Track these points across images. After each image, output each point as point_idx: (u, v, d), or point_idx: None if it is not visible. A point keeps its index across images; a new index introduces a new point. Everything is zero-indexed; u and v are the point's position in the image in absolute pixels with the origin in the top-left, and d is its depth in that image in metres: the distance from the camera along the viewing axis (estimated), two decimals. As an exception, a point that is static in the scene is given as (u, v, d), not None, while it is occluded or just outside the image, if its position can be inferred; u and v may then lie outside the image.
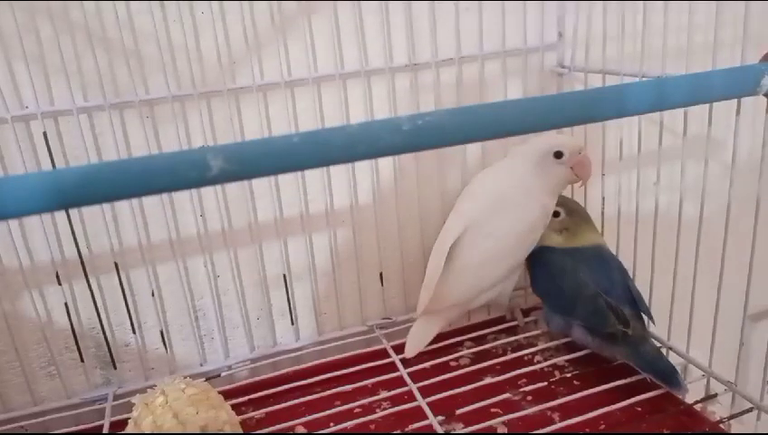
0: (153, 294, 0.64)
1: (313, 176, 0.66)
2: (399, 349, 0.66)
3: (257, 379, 0.65)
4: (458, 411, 0.56)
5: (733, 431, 0.53)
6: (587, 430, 0.54)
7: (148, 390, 0.54)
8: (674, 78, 0.37)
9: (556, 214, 0.66)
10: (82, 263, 0.61)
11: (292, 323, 0.70)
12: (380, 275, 0.72)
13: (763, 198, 0.51)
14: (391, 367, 0.63)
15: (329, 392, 0.61)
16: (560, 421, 0.54)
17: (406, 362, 0.64)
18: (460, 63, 0.68)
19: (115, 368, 0.65)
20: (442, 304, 0.63)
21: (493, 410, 0.57)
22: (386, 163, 0.69)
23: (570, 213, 0.67)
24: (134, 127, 0.59)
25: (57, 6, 0.55)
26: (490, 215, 0.63)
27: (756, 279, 0.53)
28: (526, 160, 0.63)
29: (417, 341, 0.65)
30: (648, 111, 0.37)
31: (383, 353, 0.66)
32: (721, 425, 0.53)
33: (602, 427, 0.55)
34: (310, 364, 0.66)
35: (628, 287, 0.61)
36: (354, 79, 0.65)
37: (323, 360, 0.67)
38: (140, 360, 0.65)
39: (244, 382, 0.65)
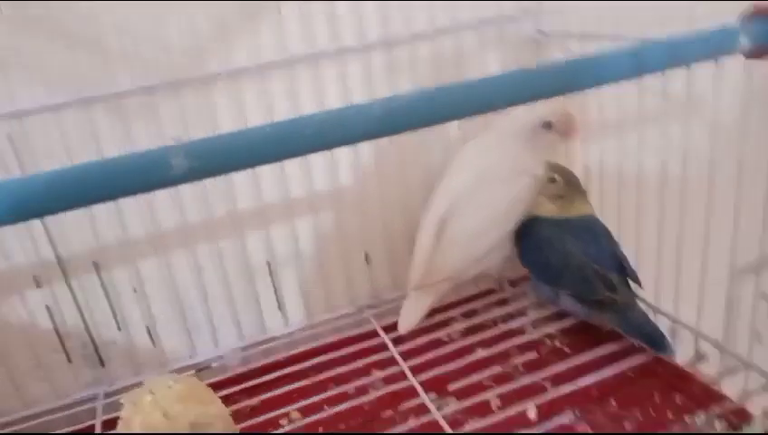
0: (135, 291, 0.63)
1: (293, 160, 0.65)
2: (390, 328, 0.66)
3: (249, 367, 0.65)
4: (451, 387, 0.56)
5: (724, 389, 0.53)
6: (580, 396, 0.54)
7: (138, 387, 0.53)
8: (652, 44, 0.36)
9: (552, 180, 0.65)
10: (61, 264, 0.60)
11: (280, 309, 0.69)
12: (366, 255, 0.71)
13: (746, 155, 0.51)
14: (382, 347, 0.63)
15: (321, 376, 0.61)
16: (554, 392, 0.54)
17: (397, 341, 0.64)
18: (435, 37, 0.66)
19: (103, 366, 0.64)
20: (434, 278, 0.63)
21: (485, 383, 0.57)
22: (366, 142, 0.68)
23: (567, 182, 0.66)
24: (103, 123, 0.58)
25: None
26: (479, 187, 0.63)
27: (741, 235, 0.53)
28: (515, 133, 0.63)
29: (410, 317, 0.64)
30: (628, 78, 0.36)
31: (373, 334, 0.66)
32: (711, 385, 0.53)
33: (594, 393, 0.55)
34: (301, 349, 0.66)
35: (615, 254, 0.61)
36: (327, 59, 0.63)
37: (314, 344, 0.67)
38: (128, 356, 0.65)
39: (236, 372, 0.64)
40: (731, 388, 0.53)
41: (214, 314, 0.67)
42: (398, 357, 0.61)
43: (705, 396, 0.53)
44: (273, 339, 0.68)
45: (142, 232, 0.62)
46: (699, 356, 0.56)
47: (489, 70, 0.72)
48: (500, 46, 0.71)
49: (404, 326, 0.64)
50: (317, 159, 0.66)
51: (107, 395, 0.62)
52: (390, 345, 0.63)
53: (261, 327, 0.69)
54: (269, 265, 0.67)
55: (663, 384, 0.55)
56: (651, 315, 0.60)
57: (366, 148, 0.68)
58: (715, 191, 0.53)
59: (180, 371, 0.63)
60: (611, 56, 0.35)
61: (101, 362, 0.64)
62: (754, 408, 0.50)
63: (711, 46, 0.38)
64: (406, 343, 0.63)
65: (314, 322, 0.70)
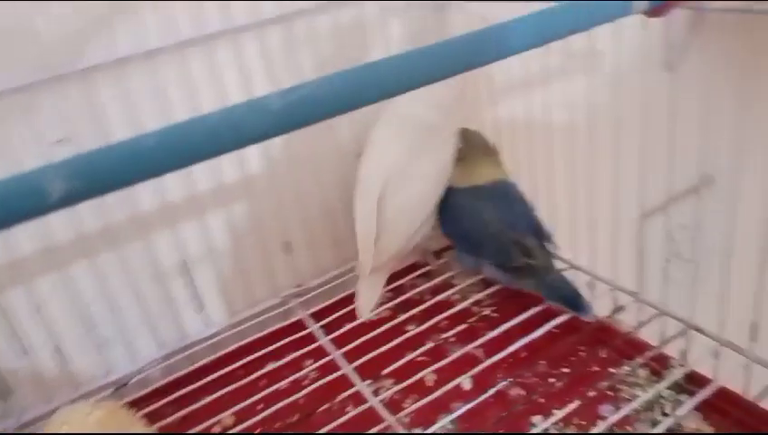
0: (39, 311, 0.57)
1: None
2: (317, 316, 0.64)
3: (173, 377, 0.61)
4: (385, 371, 0.55)
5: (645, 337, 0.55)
6: (511, 361, 0.55)
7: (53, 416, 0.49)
8: (553, 10, 0.35)
9: None
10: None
11: (199, 311, 0.66)
12: (285, 243, 0.69)
13: (649, 106, 0.52)
14: (311, 337, 0.62)
15: (252, 376, 0.58)
16: (486, 359, 0.55)
17: (326, 328, 0.62)
18: (334, 8, 0.63)
19: (10, 397, 0.59)
20: (384, 257, 0.62)
21: (420, 359, 0.57)
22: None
23: (467, 142, 0.65)
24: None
25: None
26: (409, 159, 0.62)
27: (648, 182, 0.54)
28: (436, 104, 0.62)
29: (367, 301, 0.63)
30: (533, 47, 0.35)
31: (301, 325, 0.64)
32: (632, 334, 0.56)
33: (524, 355, 0.56)
34: (227, 350, 0.63)
35: (531, 218, 0.62)
36: (220, 40, 0.59)
37: (241, 343, 0.64)
38: (37, 383, 0.59)
39: (159, 384, 0.61)
40: (650, 335, 0.55)
41: (126, 325, 0.62)
42: (329, 346, 0.59)
43: (628, 346, 0.55)
44: (195, 343, 0.64)
45: (34, 247, 0.56)
46: (618, 308, 0.58)
47: (392, 38, 0.69)
48: (401, 13, 0.69)
49: (363, 312, 0.63)
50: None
51: (22, 426, 0.57)
52: (320, 334, 0.61)
53: (181, 332, 0.65)
54: (182, 265, 0.63)
55: (588, 339, 0.57)
56: (569, 273, 0.62)
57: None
58: (620, 141, 0.54)
59: (97, 391, 0.59)
60: (517, 25, 0.34)
61: (8, 393, 0.58)
62: (674, 351, 0.53)
63: (612, 8, 0.37)
64: (336, 329, 0.61)
65: (238, 319, 0.67)
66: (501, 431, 0.49)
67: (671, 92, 0.49)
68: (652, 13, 0.43)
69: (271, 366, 0.59)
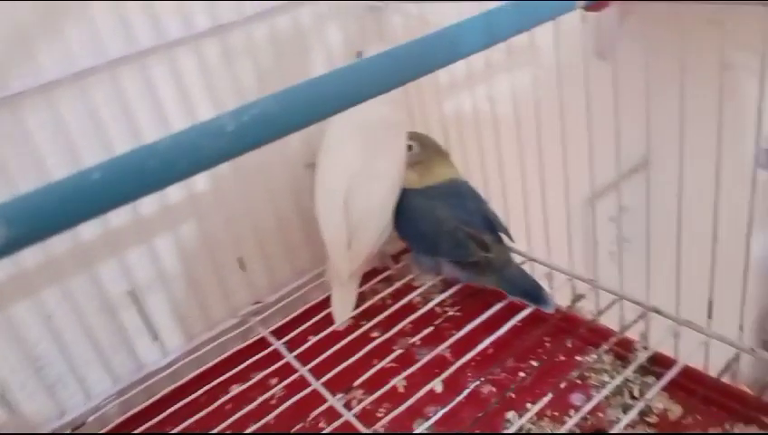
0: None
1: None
2: (279, 333, 0.63)
3: (132, 413, 0.58)
4: (356, 382, 0.54)
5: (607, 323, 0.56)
6: (479, 359, 0.55)
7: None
8: (500, 10, 0.35)
9: (409, 147, 0.65)
10: None
11: (154, 339, 0.63)
12: (239, 259, 0.67)
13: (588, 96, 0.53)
14: (275, 355, 0.60)
15: (217, 403, 0.56)
16: (455, 360, 0.55)
17: (289, 345, 0.60)
18: (269, 15, 0.62)
19: (-48, 454, 0.54)
20: (361, 259, 0.61)
21: (389, 366, 0.56)
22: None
23: (423, 146, 0.65)
24: None
25: None
26: (367, 158, 0.61)
27: (593, 169, 0.55)
28: (384, 99, 0.61)
29: (344, 307, 0.62)
30: (484, 48, 0.35)
31: (263, 343, 0.62)
32: (594, 321, 0.57)
33: (492, 352, 0.56)
34: (187, 378, 0.61)
35: (484, 213, 0.62)
36: (153, 56, 0.56)
37: (201, 369, 0.61)
38: (-17, 435, 0.55)
39: (118, 421, 0.57)
40: (610, 320, 0.56)
41: (77, 361, 0.58)
42: (294, 362, 0.58)
43: (592, 334, 0.56)
44: (152, 374, 0.61)
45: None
46: (577, 297, 0.59)
47: (331, 43, 0.68)
48: (338, 17, 0.67)
49: (340, 319, 0.61)
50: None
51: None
52: (284, 351, 0.60)
53: (136, 364, 0.62)
54: (131, 293, 0.60)
55: (552, 330, 0.58)
56: (527, 266, 0.63)
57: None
58: (564, 131, 0.55)
59: (51, 436, 0.56)
60: (465, 27, 0.34)
61: (-52, 450, 0.54)
62: (635, 334, 0.54)
63: (557, 6, 0.38)
64: (300, 344, 0.60)
65: (195, 344, 0.64)
66: (477, 431, 0.49)
67: (606, 81, 0.50)
68: (591, 7, 0.44)
69: (236, 390, 0.57)
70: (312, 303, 0.67)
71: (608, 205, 0.56)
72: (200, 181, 0.62)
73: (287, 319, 0.66)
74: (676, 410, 0.48)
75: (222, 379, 0.58)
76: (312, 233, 0.70)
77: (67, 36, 0.52)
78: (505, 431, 0.49)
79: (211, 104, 0.60)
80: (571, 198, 0.58)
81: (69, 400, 0.59)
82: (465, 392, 0.52)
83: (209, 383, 0.58)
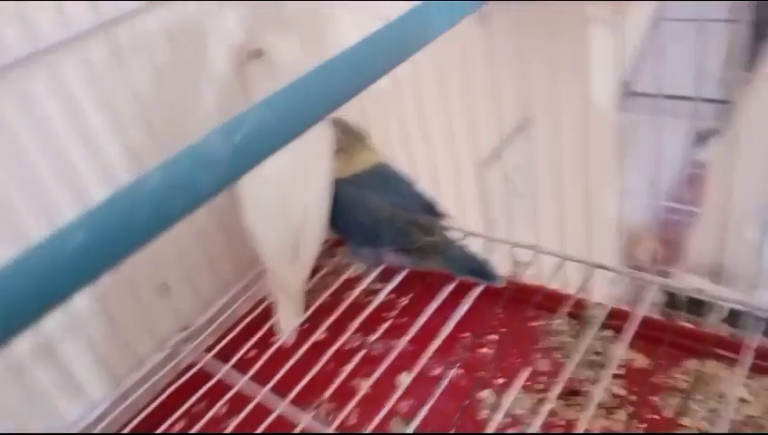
0: None
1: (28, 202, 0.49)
2: (222, 356, 0.57)
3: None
4: (325, 394, 0.51)
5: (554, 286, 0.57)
6: (441, 345, 0.53)
7: None
8: (399, 22, 0.31)
9: None
10: None
11: (77, 393, 0.54)
12: (161, 285, 0.59)
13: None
14: (225, 383, 0.54)
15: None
16: (422, 353, 0.53)
17: (238, 367, 0.55)
18: (161, 6, 0.54)
19: None
20: (307, 269, 0.58)
21: (352, 369, 0.53)
22: (120, 156, 0.54)
23: (343, 132, 0.62)
24: None
25: None
26: (296, 157, 0.57)
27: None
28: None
29: (291, 320, 0.58)
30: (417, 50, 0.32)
31: (205, 372, 0.56)
32: (547, 287, 0.57)
33: (452, 335, 0.55)
34: (124, 431, 0.53)
35: (417, 194, 0.60)
36: (29, 65, 0.47)
37: (139, 417, 0.54)
38: None
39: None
40: (562, 283, 0.57)
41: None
42: (250, 386, 0.53)
43: (548, 299, 0.56)
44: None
45: None
46: (523, 265, 0.59)
47: (233, 31, 0.62)
48: (236, 3, 0.61)
49: (287, 331, 0.57)
50: (61, 191, 0.50)
51: None
52: (234, 375, 0.54)
53: (61, 423, 0.53)
54: (41, 346, 0.51)
55: (508, 301, 0.58)
56: (465, 242, 0.62)
57: (118, 158, 0.54)
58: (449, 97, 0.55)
59: None
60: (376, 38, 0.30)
61: None
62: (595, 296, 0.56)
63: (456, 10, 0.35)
64: (252, 364, 0.55)
65: (125, 388, 0.56)
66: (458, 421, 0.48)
67: (487, 46, 0.52)
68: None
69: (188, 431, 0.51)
70: (249, 319, 0.62)
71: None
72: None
73: (226, 340, 0.60)
74: (638, 359, 0.50)
75: (167, 425, 0.52)
76: (232, 242, 0.65)
77: None
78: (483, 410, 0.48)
79: (102, 110, 0.52)
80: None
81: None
82: (443, 384, 0.50)
83: (153, 429, 0.51)
